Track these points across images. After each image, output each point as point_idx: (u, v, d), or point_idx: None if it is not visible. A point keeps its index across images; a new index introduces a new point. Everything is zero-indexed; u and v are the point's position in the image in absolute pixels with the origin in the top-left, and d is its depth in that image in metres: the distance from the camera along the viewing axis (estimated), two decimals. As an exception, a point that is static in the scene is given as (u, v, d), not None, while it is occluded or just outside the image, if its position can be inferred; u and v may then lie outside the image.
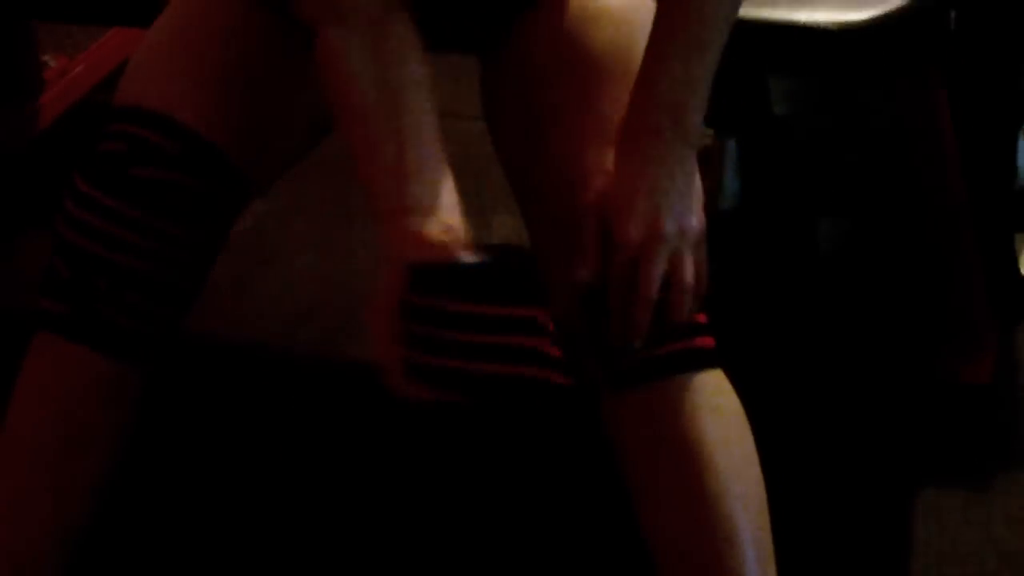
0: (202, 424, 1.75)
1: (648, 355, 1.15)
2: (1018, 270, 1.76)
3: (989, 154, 1.63)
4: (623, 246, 1.11)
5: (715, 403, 1.17)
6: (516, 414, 1.10)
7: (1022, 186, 1.73)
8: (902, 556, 1.53)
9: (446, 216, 1.12)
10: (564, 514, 1.59)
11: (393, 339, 1.09)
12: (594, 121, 1.18)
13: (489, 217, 2.00)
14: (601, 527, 1.51)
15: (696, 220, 1.13)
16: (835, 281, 1.82)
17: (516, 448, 1.68)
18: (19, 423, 1.26)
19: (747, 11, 1.38)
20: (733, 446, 1.17)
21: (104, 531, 1.29)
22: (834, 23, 1.39)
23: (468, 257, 1.10)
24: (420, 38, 1.16)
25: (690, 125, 1.14)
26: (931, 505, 1.57)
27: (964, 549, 1.52)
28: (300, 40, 1.19)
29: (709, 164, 1.82)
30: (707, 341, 1.18)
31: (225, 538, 1.60)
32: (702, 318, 1.18)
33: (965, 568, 1.51)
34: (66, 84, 2.29)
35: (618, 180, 1.13)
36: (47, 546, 1.26)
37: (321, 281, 2.00)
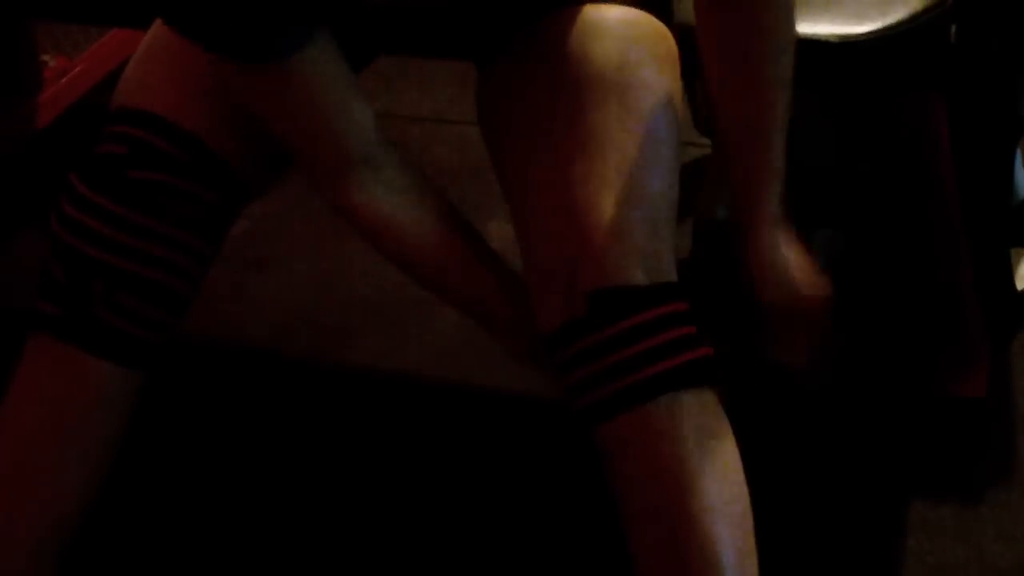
0: (195, 427, 1.75)
1: (635, 377, 1.13)
2: (1014, 284, 1.76)
3: (987, 168, 1.63)
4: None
5: (699, 425, 1.14)
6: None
7: (1019, 201, 1.73)
8: (893, 570, 1.53)
9: None
10: (559, 524, 1.59)
11: None
12: (583, 134, 1.17)
13: (486, 222, 1.99)
14: (594, 538, 1.51)
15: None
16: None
17: (511, 456, 1.68)
18: (13, 424, 1.26)
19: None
20: (717, 470, 1.14)
21: (98, 532, 1.29)
22: (834, 35, 1.39)
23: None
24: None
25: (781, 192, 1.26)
26: (923, 519, 1.57)
27: (955, 563, 1.52)
28: None
29: (704, 174, 1.83)
30: (695, 354, 1.16)
31: (218, 540, 1.60)
32: (691, 329, 1.16)
33: (956, 582, 1.51)
34: (65, 84, 2.28)
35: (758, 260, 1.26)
36: (37, 547, 1.26)
37: (316, 286, 2.00)
